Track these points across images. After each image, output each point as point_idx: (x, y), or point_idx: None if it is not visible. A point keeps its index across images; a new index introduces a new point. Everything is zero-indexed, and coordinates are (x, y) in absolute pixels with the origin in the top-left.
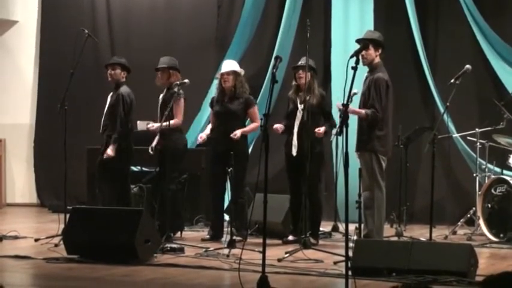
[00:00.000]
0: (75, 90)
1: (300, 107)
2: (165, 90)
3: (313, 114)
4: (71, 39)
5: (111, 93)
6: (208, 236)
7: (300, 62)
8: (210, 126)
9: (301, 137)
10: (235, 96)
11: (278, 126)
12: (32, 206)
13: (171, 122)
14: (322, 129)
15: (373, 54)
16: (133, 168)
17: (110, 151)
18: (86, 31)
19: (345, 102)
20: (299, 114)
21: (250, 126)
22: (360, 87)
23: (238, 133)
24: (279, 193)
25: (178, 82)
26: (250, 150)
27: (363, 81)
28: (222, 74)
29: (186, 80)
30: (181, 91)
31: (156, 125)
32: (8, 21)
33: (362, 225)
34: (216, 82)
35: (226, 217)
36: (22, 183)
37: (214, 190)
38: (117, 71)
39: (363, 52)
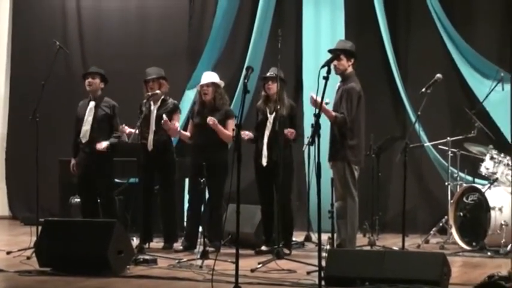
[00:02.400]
0: (47, 101)
1: (270, 117)
2: (159, 102)
3: (283, 124)
4: (42, 50)
5: (92, 103)
6: (181, 247)
7: (269, 73)
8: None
9: (271, 147)
10: (215, 108)
11: (246, 132)
12: (4, 219)
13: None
14: (292, 130)
15: (345, 64)
16: None
17: (104, 144)
18: (58, 43)
19: (317, 112)
20: (269, 125)
21: (225, 131)
22: (332, 96)
23: (212, 119)
24: (251, 203)
25: (150, 93)
26: None
27: (335, 90)
28: (202, 86)
29: (158, 91)
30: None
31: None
32: None
33: (335, 235)
34: (188, 93)
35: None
36: None
37: (192, 201)
38: (97, 81)
39: (335, 62)
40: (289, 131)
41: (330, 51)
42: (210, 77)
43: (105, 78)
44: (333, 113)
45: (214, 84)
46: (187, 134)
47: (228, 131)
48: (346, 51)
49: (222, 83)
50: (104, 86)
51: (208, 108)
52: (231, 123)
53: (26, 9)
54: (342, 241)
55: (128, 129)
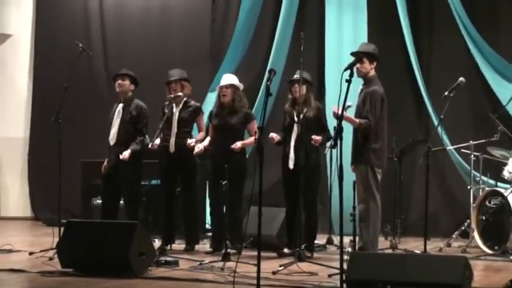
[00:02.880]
0: (69, 104)
1: (297, 120)
2: (181, 105)
3: (309, 127)
4: (65, 52)
5: (120, 105)
6: (211, 249)
7: (295, 76)
8: (208, 138)
9: (298, 150)
10: (234, 110)
11: (274, 135)
12: (26, 220)
13: (200, 135)
14: (319, 137)
15: (368, 67)
16: None
17: (127, 154)
18: (80, 45)
19: (339, 115)
20: (296, 128)
21: (250, 140)
22: (355, 100)
23: (239, 144)
24: (273, 206)
25: (172, 95)
26: None
27: (358, 93)
28: (221, 88)
29: (180, 93)
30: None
31: (195, 140)
32: (2, 35)
33: (357, 238)
34: (210, 95)
35: None
36: (16, 197)
37: (215, 203)
38: (127, 82)
39: (358, 65)
40: (315, 139)
41: (352, 54)
42: (229, 79)
43: (136, 80)
44: (357, 120)
45: (233, 86)
46: (206, 143)
47: (251, 134)
48: (368, 54)
49: (241, 86)
50: (134, 88)
51: (227, 110)
52: (253, 127)
53: (49, 12)
54: (364, 244)
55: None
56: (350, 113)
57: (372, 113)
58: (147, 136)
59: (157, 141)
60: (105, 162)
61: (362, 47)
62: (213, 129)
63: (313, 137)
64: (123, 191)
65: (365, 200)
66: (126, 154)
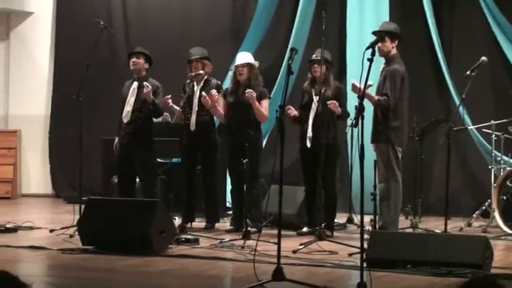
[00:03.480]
0: (90, 82)
1: (315, 98)
2: (202, 83)
3: (327, 106)
4: (86, 30)
5: (135, 84)
6: (232, 227)
7: (314, 55)
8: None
9: (316, 129)
10: (249, 88)
11: (291, 110)
12: (47, 197)
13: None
14: (335, 101)
15: (389, 46)
16: None
17: (150, 89)
18: (102, 22)
19: (361, 94)
20: (314, 106)
21: (260, 108)
22: (376, 79)
23: (251, 91)
24: (293, 185)
25: (193, 73)
26: (265, 142)
27: (380, 72)
28: (237, 66)
29: (202, 72)
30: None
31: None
32: (23, 13)
33: (377, 217)
34: (231, 74)
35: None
36: (37, 174)
37: (234, 182)
38: (141, 61)
39: (379, 44)
40: (332, 103)
41: (374, 33)
42: (245, 57)
43: (150, 58)
44: (376, 97)
45: (249, 65)
46: (221, 111)
47: (263, 110)
48: (390, 32)
49: (256, 63)
50: (149, 66)
51: (243, 87)
52: (266, 103)
53: None
54: (385, 223)
55: (171, 102)
56: (371, 92)
57: (392, 91)
58: (165, 113)
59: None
60: (116, 141)
61: (383, 25)
62: (229, 107)
63: (329, 102)
64: (138, 169)
65: (386, 179)
66: (149, 88)
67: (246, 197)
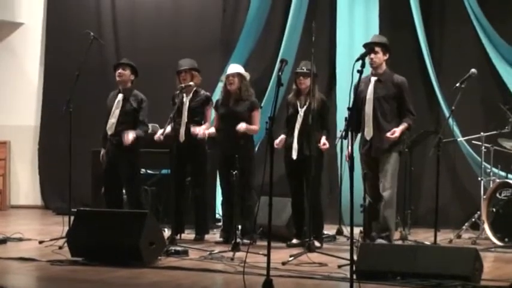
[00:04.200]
0: (80, 92)
1: (301, 110)
2: (191, 94)
3: (313, 118)
4: (76, 41)
5: (120, 96)
6: (221, 239)
7: (300, 68)
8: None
9: (302, 141)
10: (240, 99)
11: (278, 141)
12: (36, 208)
13: (206, 126)
14: (326, 142)
15: (381, 57)
16: None
17: (130, 136)
18: (92, 33)
19: (350, 105)
20: (299, 118)
21: (252, 127)
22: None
23: (244, 125)
24: (283, 196)
25: (183, 85)
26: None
27: (370, 84)
28: (228, 76)
29: (191, 83)
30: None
31: (203, 129)
32: (13, 24)
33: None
34: (221, 85)
35: None
36: (26, 185)
37: (225, 193)
38: (127, 72)
39: (372, 55)
40: (324, 144)
41: (365, 45)
42: (235, 68)
43: (136, 70)
44: (406, 124)
45: (240, 75)
46: (213, 131)
47: (254, 123)
48: (383, 44)
49: (247, 75)
50: (135, 78)
51: (233, 98)
52: (257, 115)
53: (61, 1)
54: (391, 232)
55: (159, 133)
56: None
57: (411, 103)
58: (150, 125)
59: (160, 132)
60: (102, 152)
61: (375, 38)
62: (220, 118)
63: (321, 145)
64: (123, 180)
65: (391, 187)
66: (130, 136)
67: (236, 209)
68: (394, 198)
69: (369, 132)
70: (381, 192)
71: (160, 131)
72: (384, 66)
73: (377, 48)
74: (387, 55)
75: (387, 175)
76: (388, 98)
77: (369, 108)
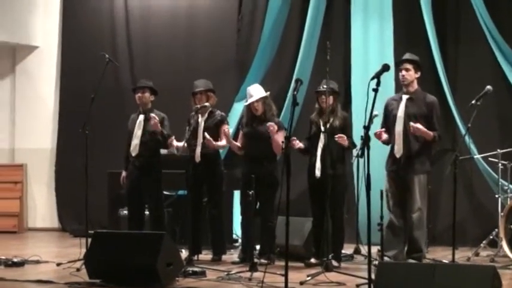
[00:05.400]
0: (96, 115)
1: (323, 129)
2: (206, 115)
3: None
4: (92, 63)
5: (141, 117)
6: (238, 259)
7: (321, 86)
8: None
9: (325, 160)
10: (265, 119)
11: (297, 141)
12: (54, 231)
13: (223, 144)
14: (342, 135)
15: (413, 75)
16: None
17: (157, 119)
18: (107, 56)
19: (366, 124)
20: (322, 137)
21: (278, 140)
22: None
23: (273, 125)
24: (300, 216)
25: (198, 106)
26: None
27: (402, 102)
28: (252, 103)
29: (207, 104)
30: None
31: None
32: (28, 47)
33: (405, 248)
34: (236, 105)
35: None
36: (43, 208)
37: (245, 213)
38: (147, 94)
39: (404, 72)
40: (340, 136)
41: (397, 62)
42: (257, 91)
43: (155, 90)
44: (431, 133)
45: (263, 97)
46: (238, 144)
47: (281, 142)
48: (414, 61)
49: (268, 93)
50: (154, 98)
51: (258, 119)
52: (281, 135)
53: (75, 23)
54: (423, 253)
55: (175, 143)
56: (376, 122)
57: (438, 124)
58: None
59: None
60: (123, 174)
61: (407, 55)
62: (244, 138)
63: (336, 136)
64: (147, 202)
65: (420, 209)
66: (157, 119)
67: (256, 229)
68: (423, 220)
69: (399, 150)
70: (409, 214)
71: (179, 144)
72: (415, 85)
73: (409, 66)
74: (419, 73)
75: (416, 196)
76: (419, 117)
77: (399, 126)
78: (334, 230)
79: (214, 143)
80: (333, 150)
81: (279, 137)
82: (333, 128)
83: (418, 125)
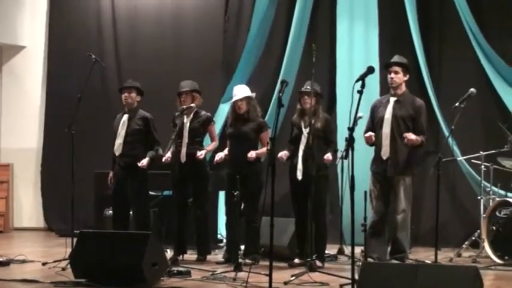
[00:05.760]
0: (82, 115)
1: (305, 131)
2: (191, 115)
3: (318, 138)
4: (78, 63)
5: (125, 116)
6: (223, 259)
7: (305, 87)
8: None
9: (306, 161)
10: (248, 119)
11: (283, 154)
12: (39, 230)
13: (213, 145)
14: (330, 155)
15: (402, 78)
16: None
17: (145, 162)
18: (93, 56)
19: (351, 125)
20: (304, 139)
21: (263, 150)
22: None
23: (254, 154)
24: (284, 217)
25: (184, 107)
26: None
27: (389, 104)
28: (236, 102)
29: (193, 105)
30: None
31: (203, 152)
32: (15, 47)
33: (374, 243)
34: (222, 106)
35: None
36: (29, 208)
37: (230, 213)
38: (133, 95)
39: (393, 75)
40: (327, 158)
41: (386, 65)
42: (242, 91)
43: (141, 91)
44: (419, 138)
45: (247, 97)
46: (226, 152)
47: (263, 144)
48: (403, 64)
49: (253, 95)
50: (141, 98)
51: (241, 119)
52: (266, 136)
53: (62, 24)
54: (406, 253)
55: (165, 158)
56: (361, 124)
57: (425, 127)
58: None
59: (169, 153)
60: (111, 174)
61: (396, 58)
62: (228, 138)
63: (325, 157)
64: (132, 203)
65: (405, 211)
66: (144, 162)
67: (241, 229)
68: (407, 221)
69: (385, 151)
70: (394, 215)
71: (167, 153)
72: (403, 87)
73: (397, 68)
74: (407, 76)
75: (401, 198)
76: (406, 119)
77: (386, 128)
78: (317, 231)
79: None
80: (315, 151)
81: (264, 138)
82: (314, 130)
83: (411, 135)
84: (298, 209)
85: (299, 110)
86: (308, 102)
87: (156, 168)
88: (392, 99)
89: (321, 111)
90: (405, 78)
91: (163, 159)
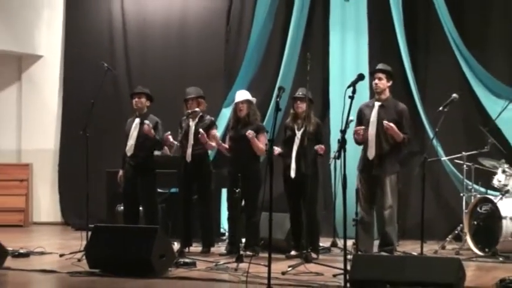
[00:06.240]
0: (95, 118)
1: (298, 133)
2: (197, 119)
3: (309, 140)
4: (92, 71)
5: (137, 120)
6: (226, 251)
7: (298, 93)
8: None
9: (299, 161)
10: (248, 123)
11: (276, 148)
12: (57, 225)
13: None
14: (322, 146)
15: (385, 84)
16: None
17: (151, 125)
18: (106, 64)
19: (343, 128)
20: (297, 140)
21: (258, 144)
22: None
23: (252, 133)
24: (282, 212)
25: (190, 111)
26: None
27: (374, 108)
28: (237, 104)
29: (198, 109)
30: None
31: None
32: (33, 56)
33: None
34: (224, 111)
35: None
36: (47, 204)
37: (231, 209)
38: (143, 100)
39: (377, 81)
40: (320, 147)
41: (371, 72)
42: (244, 95)
43: (151, 96)
44: (401, 135)
45: (248, 101)
46: (226, 145)
47: (261, 145)
48: (387, 71)
49: (254, 100)
50: (150, 103)
51: (242, 122)
52: (263, 138)
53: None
54: (394, 246)
55: (171, 138)
56: (352, 126)
57: (409, 129)
58: (165, 147)
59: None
60: (120, 173)
61: (380, 65)
62: (229, 140)
63: (316, 146)
64: (141, 200)
65: (391, 207)
66: (150, 126)
67: (242, 224)
68: (394, 216)
69: (371, 152)
70: (382, 210)
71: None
72: (387, 93)
73: (381, 75)
74: (391, 82)
75: (388, 195)
76: (390, 122)
77: (372, 130)
78: (310, 225)
79: (206, 139)
80: (307, 152)
81: (261, 140)
82: (307, 133)
83: (391, 123)
84: (292, 205)
85: (292, 114)
86: (301, 107)
87: (163, 167)
88: (377, 104)
89: (313, 116)
90: (389, 84)
91: (172, 140)
